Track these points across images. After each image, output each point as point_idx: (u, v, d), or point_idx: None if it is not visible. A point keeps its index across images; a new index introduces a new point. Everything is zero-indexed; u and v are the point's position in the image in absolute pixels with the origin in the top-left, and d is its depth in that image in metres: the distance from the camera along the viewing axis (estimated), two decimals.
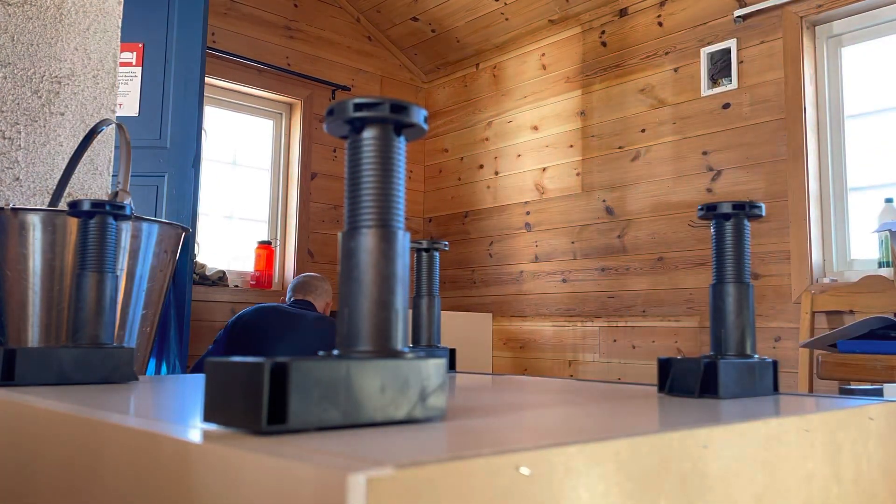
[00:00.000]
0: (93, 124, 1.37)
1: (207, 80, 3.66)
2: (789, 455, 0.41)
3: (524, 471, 0.27)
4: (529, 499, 0.27)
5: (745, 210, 0.61)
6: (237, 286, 3.89)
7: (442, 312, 3.93)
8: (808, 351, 2.54)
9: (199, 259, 3.65)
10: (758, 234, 2.99)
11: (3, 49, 1.36)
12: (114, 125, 1.30)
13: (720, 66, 3.22)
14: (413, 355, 0.35)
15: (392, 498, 0.23)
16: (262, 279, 3.94)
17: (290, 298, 3.03)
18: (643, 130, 3.47)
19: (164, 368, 2.27)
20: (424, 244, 0.85)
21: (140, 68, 2.65)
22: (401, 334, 0.37)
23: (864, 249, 2.93)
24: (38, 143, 1.38)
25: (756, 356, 0.60)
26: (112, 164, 1.49)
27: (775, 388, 0.60)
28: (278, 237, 4.14)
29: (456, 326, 3.80)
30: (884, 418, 0.50)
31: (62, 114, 1.42)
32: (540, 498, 0.27)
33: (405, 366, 0.35)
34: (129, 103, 2.63)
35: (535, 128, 3.97)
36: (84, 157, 1.33)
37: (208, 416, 0.33)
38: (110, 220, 0.66)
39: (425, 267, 0.85)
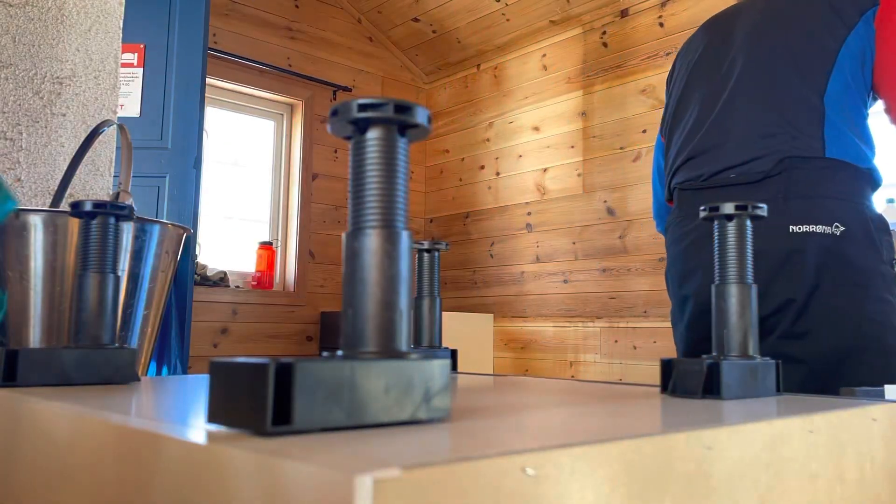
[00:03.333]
0: (94, 125, 1.37)
1: (209, 80, 3.66)
2: (793, 456, 0.41)
3: (530, 472, 0.27)
4: (535, 500, 0.27)
5: (747, 211, 0.61)
6: (238, 287, 3.89)
7: (443, 313, 3.93)
8: None
9: (201, 260, 3.65)
10: None
11: (5, 50, 1.36)
12: (115, 126, 1.31)
13: None
14: (417, 356, 0.35)
15: (399, 499, 0.23)
16: (263, 280, 3.94)
17: None
18: (644, 131, 3.47)
19: (165, 369, 2.27)
20: (426, 245, 0.85)
21: (141, 69, 2.66)
22: (405, 335, 0.37)
23: None
24: (39, 144, 1.38)
25: (758, 357, 0.60)
26: (113, 164, 1.49)
27: (778, 389, 0.60)
28: (279, 238, 4.14)
29: (457, 327, 3.80)
30: (886, 419, 0.50)
31: (64, 115, 1.42)
32: (546, 499, 0.27)
33: (409, 367, 0.35)
34: (130, 104, 2.63)
35: (537, 128, 3.97)
36: (85, 158, 1.33)
37: (213, 417, 0.33)
38: (112, 220, 0.66)
39: (426, 268, 0.85)
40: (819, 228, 1.14)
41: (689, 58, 1.44)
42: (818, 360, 1.12)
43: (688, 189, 1.32)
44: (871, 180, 1.24)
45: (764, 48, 1.29)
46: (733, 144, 1.25)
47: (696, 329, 1.30)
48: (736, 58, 1.31)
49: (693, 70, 1.40)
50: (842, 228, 1.14)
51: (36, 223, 1.02)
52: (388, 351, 0.36)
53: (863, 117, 1.28)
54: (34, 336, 1.02)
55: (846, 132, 1.22)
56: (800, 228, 1.15)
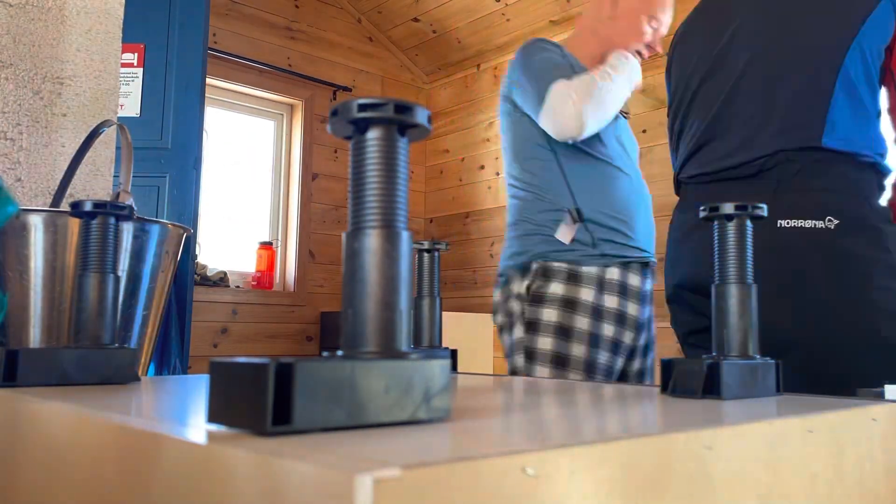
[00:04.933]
0: (94, 125, 1.37)
1: (209, 80, 3.66)
2: (793, 456, 0.41)
3: (530, 472, 0.27)
4: (535, 500, 0.27)
5: (747, 211, 0.61)
6: (238, 287, 3.89)
7: (443, 313, 3.90)
8: None
9: (201, 260, 3.65)
10: None
11: (5, 50, 1.36)
12: (115, 126, 1.31)
13: None
14: (417, 356, 0.35)
15: (399, 499, 0.23)
16: (263, 280, 3.94)
17: None
18: (644, 131, 3.47)
19: (165, 369, 2.27)
20: (425, 245, 0.85)
21: (141, 69, 2.66)
22: (405, 335, 0.37)
23: None
24: (39, 144, 1.38)
25: (758, 357, 0.60)
26: (113, 164, 1.49)
27: (778, 389, 0.60)
28: (279, 238, 4.14)
29: (457, 327, 3.80)
30: (886, 419, 0.50)
31: (64, 115, 1.42)
32: (546, 499, 0.27)
33: (409, 367, 0.35)
34: (130, 104, 2.63)
35: None
36: (85, 158, 1.33)
37: (213, 417, 0.33)
38: (112, 220, 0.66)
39: (426, 268, 0.85)
40: (809, 223, 1.12)
41: (689, 46, 1.40)
42: (806, 354, 1.09)
43: (690, 184, 1.34)
44: (876, 172, 1.19)
45: (771, 28, 1.25)
46: (733, 140, 1.25)
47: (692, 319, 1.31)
48: (739, 45, 1.28)
49: (697, 62, 1.37)
50: (836, 222, 1.11)
51: (36, 223, 1.02)
52: (388, 351, 0.36)
53: (876, 106, 1.22)
54: (34, 336, 1.03)
55: (853, 120, 1.18)
56: (788, 223, 1.13)
